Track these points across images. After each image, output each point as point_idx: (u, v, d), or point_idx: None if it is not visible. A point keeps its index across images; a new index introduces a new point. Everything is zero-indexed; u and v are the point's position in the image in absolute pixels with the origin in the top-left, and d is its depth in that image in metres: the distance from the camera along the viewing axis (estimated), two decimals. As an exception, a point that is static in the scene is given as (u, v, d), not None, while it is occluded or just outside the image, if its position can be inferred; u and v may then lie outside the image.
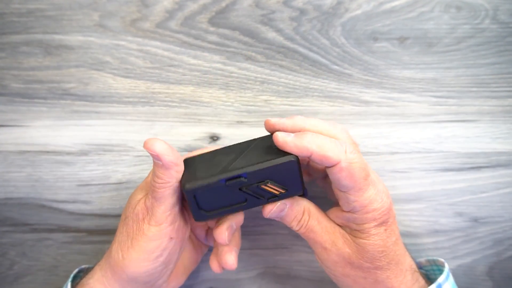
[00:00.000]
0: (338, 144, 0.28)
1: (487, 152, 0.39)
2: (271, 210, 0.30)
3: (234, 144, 0.32)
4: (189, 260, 0.37)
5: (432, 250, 0.39)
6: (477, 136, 0.39)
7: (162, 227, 0.29)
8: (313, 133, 0.28)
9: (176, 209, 0.30)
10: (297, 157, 0.28)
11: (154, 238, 0.29)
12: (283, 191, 0.29)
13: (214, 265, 0.33)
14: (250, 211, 0.36)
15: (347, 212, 0.30)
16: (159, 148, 0.27)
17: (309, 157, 0.28)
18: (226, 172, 0.28)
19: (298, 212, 0.31)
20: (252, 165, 0.28)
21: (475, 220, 0.39)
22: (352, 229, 0.30)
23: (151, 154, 0.27)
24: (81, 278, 0.33)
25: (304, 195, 0.31)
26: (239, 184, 0.29)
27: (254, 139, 0.32)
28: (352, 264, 0.30)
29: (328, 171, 0.29)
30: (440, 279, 0.32)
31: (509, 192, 0.39)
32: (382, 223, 0.29)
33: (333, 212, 0.32)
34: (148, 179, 0.32)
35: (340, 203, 0.30)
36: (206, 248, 0.38)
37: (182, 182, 0.29)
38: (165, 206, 0.29)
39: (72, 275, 0.35)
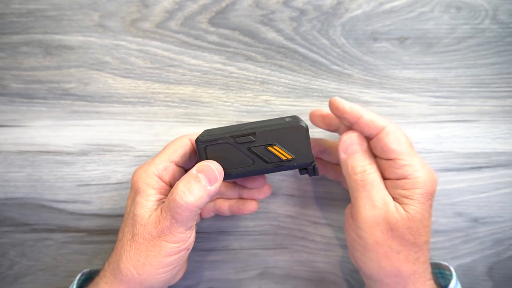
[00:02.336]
0: (383, 116, 0.31)
1: (487, 152, 0.39)
2: (350, 133, 0.31)
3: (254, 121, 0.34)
4: None
5: (432, 250, 0.39)
6: (477, 136, 0.39)
7: (181, 243, 0.30)
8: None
9: (195, 224, 0.31)
10: (307, 125, 0.30)
11: (172, 253, 0.29)
12: (290, 157, 0.29)
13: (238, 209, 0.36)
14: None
15: (397, 179, 0.30)
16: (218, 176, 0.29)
17: (356, 122, 0.31)
18: (237, 131, 0.30)
19: (368, 157, 0.31)
20: (262, 127, 0.30)
21: (475, 220, 0.39)
22: (400, 197, 0.30)
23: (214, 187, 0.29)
24: None
25: (312, 171, 0.30)
26: (248, 143, 0.29)
27: (273, 118, 0.34)
28: (394, 231, 0.29)
29: (375, 140, 0.31)
30: (451, 284, 0.32)
31: (509, 192, 0.39)
32: (430, 195, 0.30)
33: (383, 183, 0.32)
34: (146, 181, 0.31)
35: (389, 173, 0.31)
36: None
37: (197, 137, 0.30)
38: (185, 227, 0.29)
39: (76, 283, 0.34)
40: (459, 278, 0.40)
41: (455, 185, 0.39)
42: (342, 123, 0.33)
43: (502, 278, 0.40)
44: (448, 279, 0.34)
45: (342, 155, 0.31)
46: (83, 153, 0.39)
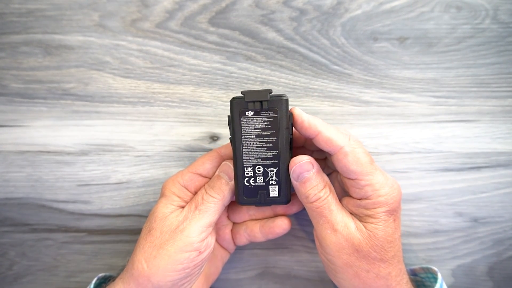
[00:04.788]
0: (342, 133, 0.30)
1: (487, 152, 0.39)
2: (298, 162, 0.30)
3: None
4: (210, 269, 0.36)
5: (432, 250, 0.39)
6: (477, 136, 0.39)
7: (193, 240, 0.30)
8: (323, 121, 0.31)
9: (210, 229, 0.32)
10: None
11: (184, 250, 0.30)
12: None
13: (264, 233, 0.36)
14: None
15: (359, 199, 0.30)
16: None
17: (315, 137, 0.30)
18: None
19: (320, 182, 0.30)
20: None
21: (475, 220, 0.39)
22: (363, 216, 0.30)
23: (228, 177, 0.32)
24: None
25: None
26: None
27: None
28: (359, 252, 0.30)
29: (335, 159, 0.30)
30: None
31: (509, 192, 0.39)
32: (393, 211, 0.30)
33: (343, 200, 0.32)
34: (171, 189, 0.33)
35: (351, 192, 0.31)
36: (227, 256, 0.38)
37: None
38: (204, 221, 0.31)
39: (92, 285, 0.35)
40: (459, 278, 0.40)
41: (455, 185, 0.39)
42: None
43: (503, 278, 0.40)
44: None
45: (295, 183, 0.31)
46: (83, 153, 0.39)
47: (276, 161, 0.31)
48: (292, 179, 0.31)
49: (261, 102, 0.30)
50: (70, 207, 0.40)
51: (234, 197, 0.33)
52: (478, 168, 0.39)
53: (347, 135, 0.30)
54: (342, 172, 0.30)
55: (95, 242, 0.40)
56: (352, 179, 0.30)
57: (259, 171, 0.31)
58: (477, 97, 0.38)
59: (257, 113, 0.30)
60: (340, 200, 0.32)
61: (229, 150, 0.34)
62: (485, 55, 0.38)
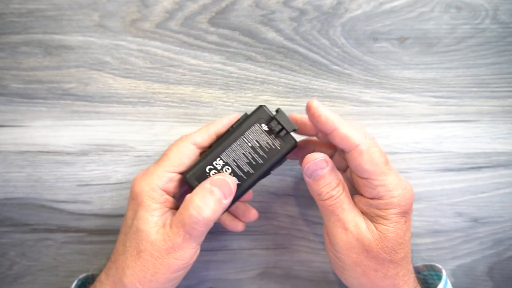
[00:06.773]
0: (358, 130, 0.29)
1: (487, 152, 0.39)
2: (313, 160, 0.29)
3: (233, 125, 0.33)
4: None
5: (432, 250, 0.39)
6: (477, 136, 0.39)
7: (187, 263, 0.30)
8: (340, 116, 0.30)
9: (201, 243, 0.30)
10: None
11: (179, 269, 0.29)
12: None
13: (235, 226, 0.36)
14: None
15: (371, 198, 0.30)
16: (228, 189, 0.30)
17: (330, 133, 0.29)
18: (205, 158, 0.31)
19: (334, 180, 0.30)
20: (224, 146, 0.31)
21: (475, 220, 0.39)
22: (374, 216, 0.30)
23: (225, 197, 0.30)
24: None
25: (278, 115, 0.30)
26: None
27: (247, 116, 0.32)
28: (369, 252, 0.29)
29: (349, 157, 0.29)
30: (439, 286, 0.33)
31: (509, 192, 0.39)
32: (405, 213, 0.30)
33: (354, 198, 0.31)
34: (150, 195, 0.30)
35: (363, 191, 0.30)
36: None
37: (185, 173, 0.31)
38: (197, 242, 0.29)
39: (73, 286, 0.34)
40: (459, 278, 0.40)
41: (455, 185, 0.39)
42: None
43: (503, 278, 0.40)
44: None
45: (307, 179, 0.30)
46: (83, 153, 0.39)
47: (245, 177, 0.31)
48: (305, 176, 0.30)
49: (281, 129, 0.30)
50: (70, 207, 0.40)
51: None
52: (478, 168, 0.39)
53: (363, 133, 0.29)
54: (356, 170, 0.30)
55: (95, 242, 0.40)
56: (365, 179, 0.30)
57: (226, 171, 0.31)
58: (477, 97, 0.38)
59: (269, 133, 0.31)
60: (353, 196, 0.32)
61: (203, 139, 0.31)
62: (485, 55, 0.38)
